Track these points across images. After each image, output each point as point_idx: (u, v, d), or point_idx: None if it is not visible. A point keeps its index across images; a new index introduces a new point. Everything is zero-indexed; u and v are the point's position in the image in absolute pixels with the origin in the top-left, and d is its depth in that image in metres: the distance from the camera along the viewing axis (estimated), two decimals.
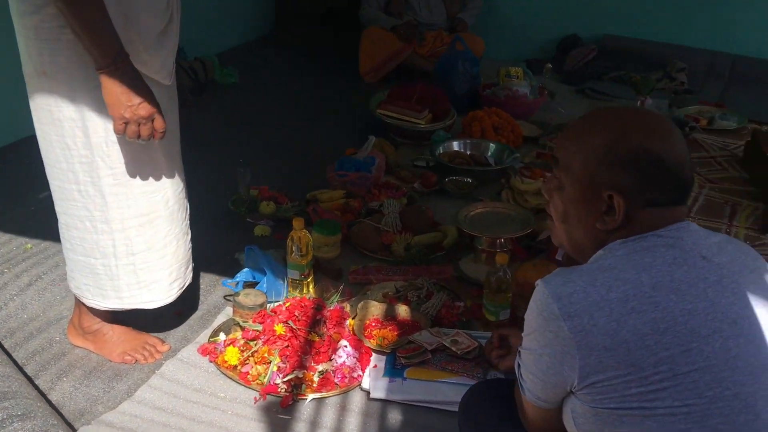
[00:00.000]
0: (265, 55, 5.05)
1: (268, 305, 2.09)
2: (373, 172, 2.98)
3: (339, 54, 5.00)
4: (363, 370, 1.93)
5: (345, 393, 1.88)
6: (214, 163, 3.24)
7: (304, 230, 2.17)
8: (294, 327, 1.94)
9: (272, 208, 2.71)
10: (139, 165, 1.76)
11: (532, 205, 2.82)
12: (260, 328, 1.97)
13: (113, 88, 1.56)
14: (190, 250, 2.00)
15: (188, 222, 1.98)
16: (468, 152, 3.34)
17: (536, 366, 1.17)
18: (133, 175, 1.76)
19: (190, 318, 2.18)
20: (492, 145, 3.36)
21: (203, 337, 2.08)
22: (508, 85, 3.98)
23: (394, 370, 1.92)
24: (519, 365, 1.25)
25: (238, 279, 2.27)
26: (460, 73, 4.03)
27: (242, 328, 2.00)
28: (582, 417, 1.13)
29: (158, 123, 1.64)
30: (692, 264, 1.11)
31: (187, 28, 2.88)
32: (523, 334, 1.23)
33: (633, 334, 1.06)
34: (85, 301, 1.90)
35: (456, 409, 1.74)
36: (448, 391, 1.84)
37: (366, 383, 1.89)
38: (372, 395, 1.86)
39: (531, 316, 1.18)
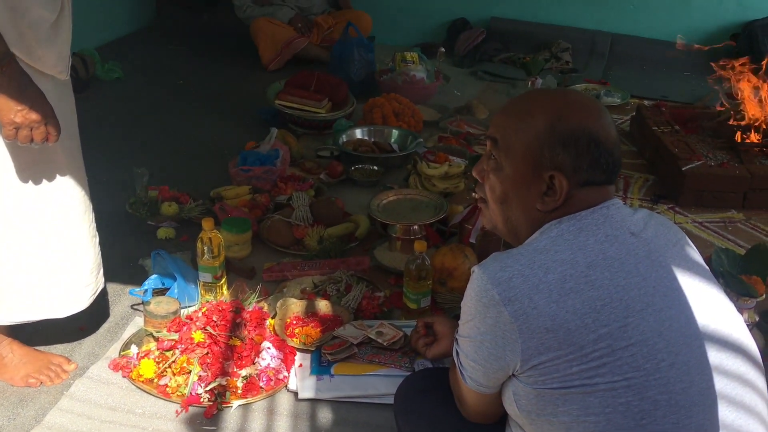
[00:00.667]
0: (148, 47, 4.80)
1: (182, 312, 1.99)
2: (278, 165, 2.90)
3: (228, 43, 4.85)
4: (288, 371, 1.87)
5: (272, 396, 1.82)
6: (105, 164, 3.03)
7: (215, 230, 2.08)
8: (213, 333, 1.86)
9: (175, 208, 2.58)
10: (39, 168, 1.63)
11: (439, 189, 2.85)
12: (176, 336, 1.87)
13: (0, 93, 1.42)
14: (100, 254, 1.87)
15: (95, 224, 1.85)
16: (371, 139, 3.32)
17: (477, 353, 1.17)
18: (33, 181, 1.63)
19: (96, 332, 2.04)
20: (395, 131, 3.36)
21: (113, 351, 1.95)
22: (405, 70, 3.99)
23: (320, 367, 1.88)
24: (458, 353, 1.24)
25: (146, 287, 2.14)
26: (356, 59, 4.00)
27: (156, 339, 1.89)
28: (524, 399, 1.14)
29: (51, 126, 1.52)
30: (623, 241, 1.14)
31: None
32: (460, 322, 1.22)
33: (572, 314, 1.07)
34: None
35: (387, 401, 1.74)
36: (377, 383, 1.82)
37: (293, 384, 1.84)
38: (300, 395, 1.81)
39: (469, 302, 1.17)
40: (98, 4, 4.60)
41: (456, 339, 1.25)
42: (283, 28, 4.49)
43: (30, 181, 1.64)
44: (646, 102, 3.86)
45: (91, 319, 2.08)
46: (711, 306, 1.18)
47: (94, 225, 1.86)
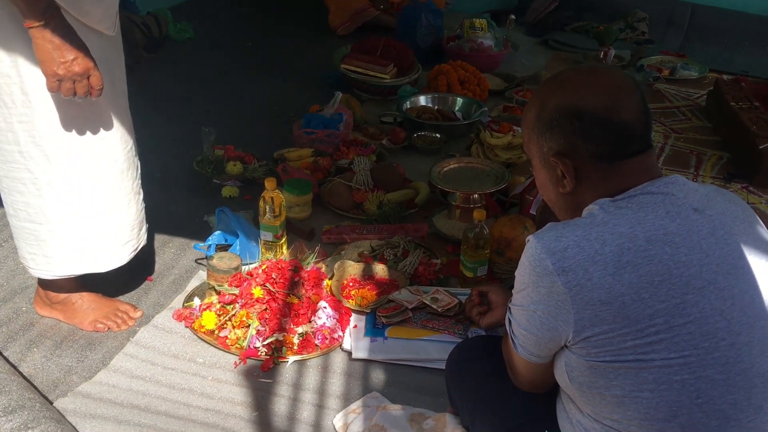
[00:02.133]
0: (220, 7, 4.87)
1: (243, 268, 2.05)
2: (341, 129, 2.92)
3: (297, 6, 4.87)
4: (343, 331, 1.91)
5: (326, 354, 1.86)
6: (175, 122, 3.13)
7: (277, 190, 2.12)
8: (272, 289, 1.91)
9: (239, 168, 2.63)
10: (84, 122, 1.66)
11: (502, 159, 2.81)
12: (237, 291, 1.92)
13: (44, 44, 1.46)
14: (143, 211, 1.92)
15: (140, 181, 1.89)
16: (435, 107, 3.30)
17: (529, 322, 1.17)
18: (78, 134, 1.66)
19: (162, 283, 2.12)
20: (459, 100, 3.32)
21: (177, 302, 2.03)
22: (473, 38, 3.93)
23: (374, 329, 1.91)
24: (510, 321, 1.24)
25: (210, 242, 2.21)
26: (423, 26, 3.96)
27: (218, 292, 1.96)
28: (577, 370, 1.13)
29: (95, 80, 1.54)
30: (685, 217, 1.11)
31: None
32: (514, 291, 1.22)
33: (628, 287, 1.06)
34: (31, 271, 1.82)
35: (438, 366, 1.76)
36: (430, 348, 1.84)
37: (347, 344, 1.88)
38: (354, 356, 1.84)
39: (523, 271, 1.17)
40: None
41: (509, 308, 1.25)
42: None
43: (74, 134, 1.65)
44: (725, 77, 3.69)
45: (158, 271, 2.16)
46: None
47: (138, 182, 1.88)
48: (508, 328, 1.26)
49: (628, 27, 4.48)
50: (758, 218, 1.22)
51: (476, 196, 2.40)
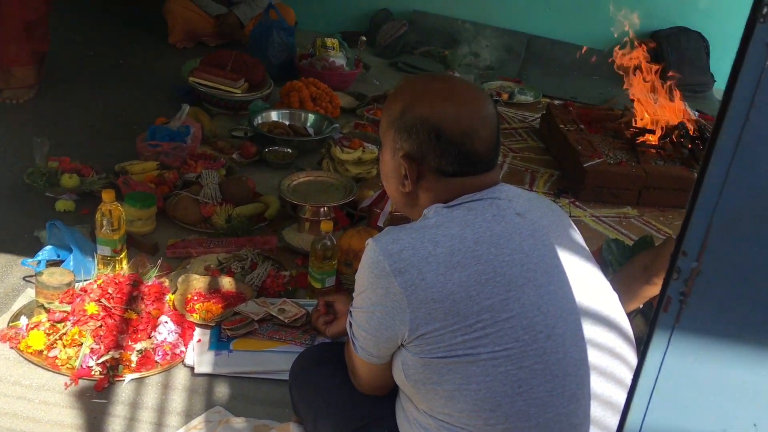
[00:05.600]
0: (60, 13, 4.59)
1: (77, 284, 1.93)
2: (188, 142, 2.84)
3: (141, 14, 4.69)
4: (186, 346, 1.85)
5: (167, 371, 1.79)
6: (6, 134, 2.91)
7: (116, 203, 2.02)
8: (108, 305, 1.81)
9: (76, 180, 2.49)
10: None
11: (352, 174, 2.86)
12: (69, 308, 1.81)
13: None
14: None
15: None
16: (287, 122, 3.30)
17: (369, 323, 1.20)
18: None
19: None
20: (311, 116, 3.35)
21: (1, 322, 1.87)
22: (325, 56, 3.98)
23: (219, 343, 1.87)
24: (351, 324, 1.27)
25: (39, 257, 2.06)
26: (275, 42, 3.96)
27: (47, 310, 1.83)
28: (412, 368, 1.18)
29: None
30: (509, 220, 1.19)
31: None
32: (354, 294, 1.25)
33: (458, 286, 1.12)
34: None
35: (283, 377, 1.75)
36: (277, 359, 1.83)
37: (190, 359, 1.82)
38: (197, 370, 1.79)
39: (362, 274, 1.20)
40: None
41: (350, 311, 1.27)
42: (200, 17, 4.37)
43: None
44: (556, 102, 4.00)
45: None
46: (588, 284, 1.25)
47: None
48: (348, 331, 1.29)
49: (471, 53, 4.74)
50: (571, 222, 1.34)
51: (325, 209, 2.43)
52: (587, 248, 1.33)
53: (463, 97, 1.22)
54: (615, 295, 1.30)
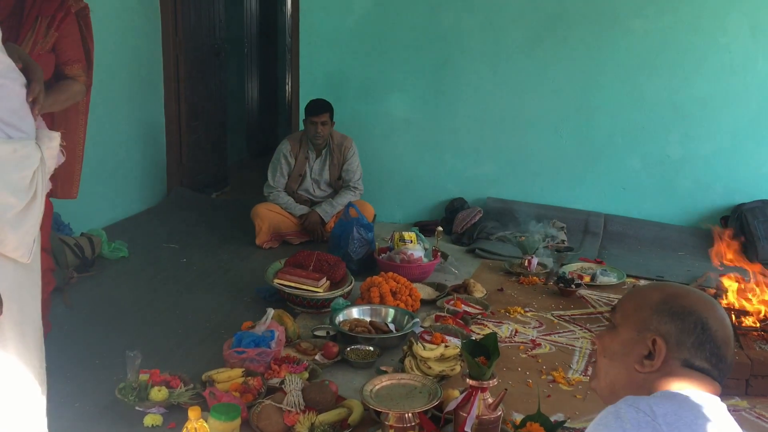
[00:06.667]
0: (156, 225, 4.98)
1: None
2: (272, 347, 2.89)
3: (232, 222, 5.02)
4: None
5: None
6: (100, 345, 3.04)
7: (201, 420, 2.03)
8: None
9: (164, 393, 2.53)
10: None
11: (435, 372, 2.80)
12: None
13: None
14: None
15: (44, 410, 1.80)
16: (368, 319, 3.33)
17: None
18: None
19: None
20: (391, 311, 3.37)
21: None
22: (403, 249, 4.08)
23: None
24: None
25: None
26: (355, 239, 4.11)
27: None
28: None
29: None
30: None
31: (71, 203, 2.84)
32: None
33: None
34: None
35: None
36: None
37: None
38: None
39: None
40: (109, 184, 4.84)
41: None
42: (285, 218, 4.66)
43: None
44: (641, 282, 3.89)
45: None
46: None
47: (43, 411, 1.79)
48: None
49: (548, 236, 4.76)
50: None
51: (410, 414, 2.35)
52: None
53: (714, 303, 1.31)
54: None
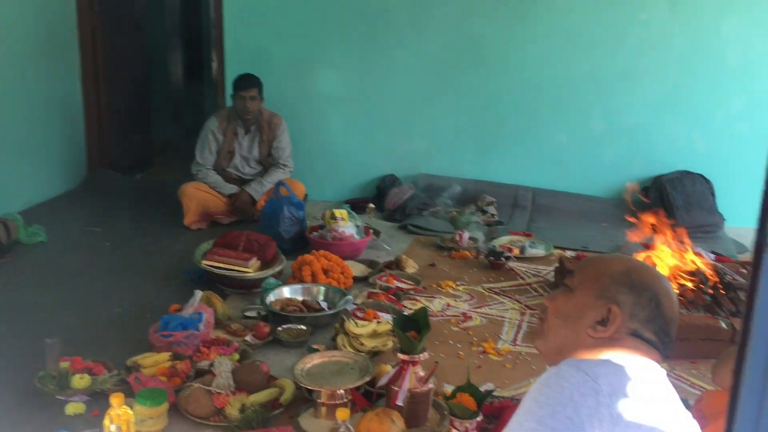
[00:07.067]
0: (76, 208, 4.78)
1: None
2: (201, 329, 2.82)
3: (158, 203, 4.87)
4: None
5: None
6: (16, 334, 2.90)
7: (124, 406, 1.96)
8: None
9: (87, 381, 2.44)
10: None
11: (367, 348, 2.80)
12: None
13: None
14: None
15: None
16: (300, 298, 3.29)
17: None
18: None
19: None
20: (323, 289, 3.35)
21: None
22: (335, 227, 4.05)
23: None
24: None
25: None
26: (286, 217, 4.06)
27: None
28: None
29: None
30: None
31: None
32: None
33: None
34: None
35: None
36: None
37: None
38: None
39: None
40: (24, 166, 4.61)
41: None
42: (214, 197, 4.56)
43: None
44: (567, 253, 3.99)
45: None
46: None
47: None
48: None
49: (479, 210, 4.82)
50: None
51: (341, 391, 2.35)
52: None
53: (668, 283, 1.37)
54: None
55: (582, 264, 1.43)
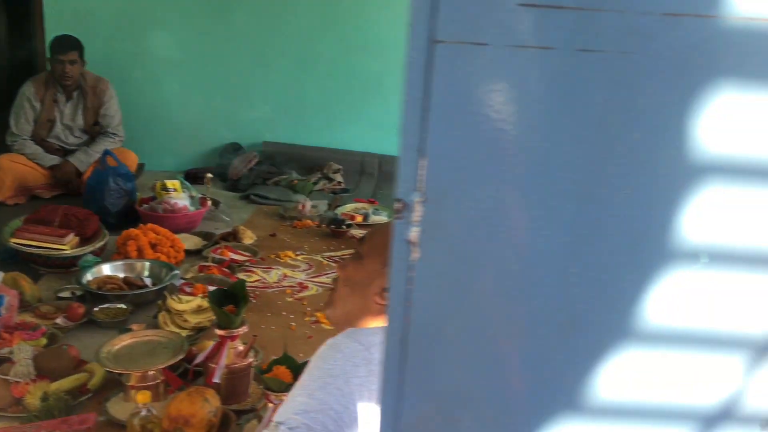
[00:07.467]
0: None
1: None
2: (2, 314, 2.55)
3: None
4: None
5: None
6: None
7: None
8: None
9: None
10: None
11: (191, 324, 2.66)
12: None
13: None
14: None
15: None
16: (122, 275, 3.07)
17: None
18: None
19: None
20: (148, 264, 3.15)
21: None
22: (166, 199, 3.83)
23: None
24: None
25: None
26: (112, 189, 3.78)
27: None
28: None
29: None
30: None
31: None
32: None
33: None
34: None
35: None
36: None
37: None
38: None
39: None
40: None
41: None
42: (32, 170, 4.18)
43: None
44: None
45: None
46: None
47: None
48: None
49: (325, 178, 4.75)
50: None
51: (152, 372, 2.20)
52: None
53: None
54: None
55: (372, 231, 1.40)
